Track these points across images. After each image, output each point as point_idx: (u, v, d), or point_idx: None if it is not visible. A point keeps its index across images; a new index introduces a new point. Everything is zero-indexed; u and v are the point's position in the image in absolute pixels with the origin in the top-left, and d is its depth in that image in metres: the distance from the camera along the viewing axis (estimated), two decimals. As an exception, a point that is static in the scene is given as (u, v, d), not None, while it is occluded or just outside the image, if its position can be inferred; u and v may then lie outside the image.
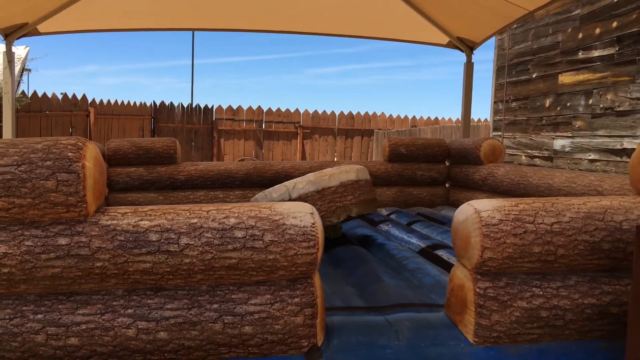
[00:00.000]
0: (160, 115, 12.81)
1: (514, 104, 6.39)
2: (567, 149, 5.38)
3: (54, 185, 1.38)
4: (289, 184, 2.76)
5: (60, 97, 9.90)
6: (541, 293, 1.60)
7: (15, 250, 1.38)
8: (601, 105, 4.89)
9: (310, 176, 2.76)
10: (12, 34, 4.36)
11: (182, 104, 13.04)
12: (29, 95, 9.08)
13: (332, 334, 1.61)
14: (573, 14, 5.32)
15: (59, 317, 1.43)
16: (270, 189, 2.82)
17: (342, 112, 13.89)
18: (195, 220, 1.47)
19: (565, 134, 5.41)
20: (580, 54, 5.20)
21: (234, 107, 13.36)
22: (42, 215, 1.40)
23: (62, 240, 1.40)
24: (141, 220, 1.45)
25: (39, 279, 1.40)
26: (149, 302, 1.47)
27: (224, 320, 1.48)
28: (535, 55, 5.96)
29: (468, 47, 5.12)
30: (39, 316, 1.43)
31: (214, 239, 1.46)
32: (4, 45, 4.45)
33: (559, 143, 5.52)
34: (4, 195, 1.36)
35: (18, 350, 1.42)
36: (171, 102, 12.95)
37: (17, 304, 1.43)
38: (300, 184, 2.72)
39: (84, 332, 1.43)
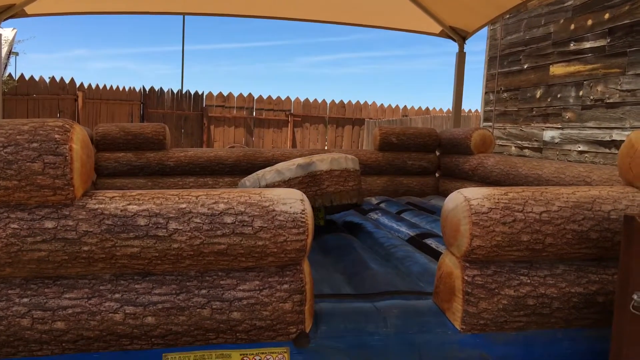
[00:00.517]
0: (149, 101, 12.70)
1: (505, 94, 6.40)
2: (556, 140, 5.41)
3: (41, 168, 1.36)
4: (259, 172, 2.77)
5: (48, 80, 9.77)
6: (528, 281, 1.61)
7: (1, 233, 1.36)
8: (591, 97, 4.92)
9: (285, 163, 2.77)
10: (-2, 15, 4.29)
11: (172, 89, 12.94)
12: (16, 78, 8.95)
13: (320, 321, 1.62)
14: (565, 5, 5.32)
15: (45, 301, 1.42)
16: (248, 176, 2.84)
17: (333, 100, 13.86)
18: (184, 206, 1.46)
19: (555, 125, 5.44)
20: (571, 45, 5.21)
21: (225, 94, 13.28)
22: (28, 198, 1.38)
23: (49, 224, 1.38)
24: (129, 204, 1.44)
25: (24, 262, 1.38)
26: (137, 287, 1.46)
27: (212, 305, 1.48)
28: (527, 46, 5.97)
29: (460, 36, 5.12)
30: (25, 300, 1.41)
31: (203, 224, 1.44)
32: (-9, 27, 4.37)
33: (548, 134, 5.54)
34: (-11, 177, 1.34)
35: (3, 333, 1.40)
36: (161, 88, 12.84)
37: (3, 287, 1.42)
38: (268, 174, 2.73)
39: (70, 316, 1.41)
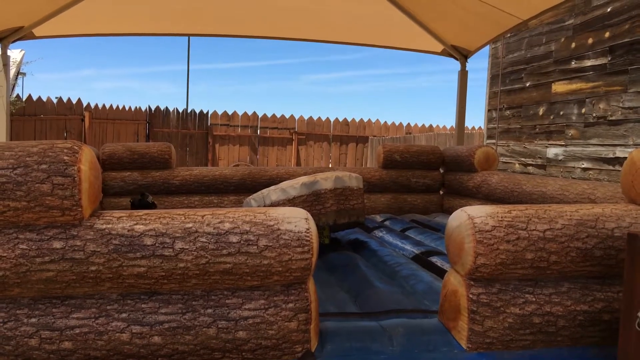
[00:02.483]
0: (155, 120, 12.79)
1: (508, 112, 6.43)
2: (560, 158, 5.42)
3: (50, 189, 1.38)
4: (264, 191, 2.79)
5: (55, 100, 9.87)
6: (534, 299, 1.61)
7: (10, 254, 1.38)
8: (594, 114, 4.93)
9: (290, 182, 2.79)
10: (7, 37, 4.36)
11: (177, 109, 13.03)
12: (24, 99, 9.05)
13: (326, 340, 1.62)
14: (566, 23, 5.37)
15: (52, 320, 1.43)
16: (253, 195, 2.86)
17: (337, 118, 13.92)
18: (190, 225, 1.48)
19: (558, 142, 5.45)
20: (573, 63, 5.24)
21: (229, 113, 13.36)
22: (37, 219, 1.40)
23: (57, 244, 1.40)
24: (136, 224, 1.46)
25: (33, 282, 1.40)
26: (143, 306, 1.47)
27: (218, 325, 1.48)
28: (528, 64, 6.01)
29: (462, 55, 5.16)
30: (33, 320, 1.42)
31: (209, 243, 1.46)
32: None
33: (552, 151, 5.55)
34: (-1, 199, 1.36)
35: (12, 353, 1.41)
36: (166, 107, 12.94)
37: (11, 307, 1.43)
38: (273, 193, 2.75)
39: (77, 336, 1.42)
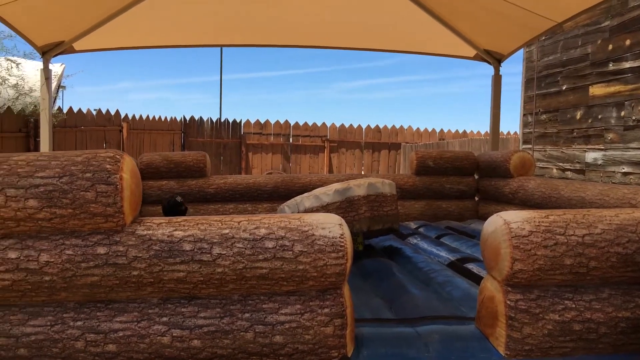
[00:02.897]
0: (190, 130, 13.04)
1: (544, 116, 6.32)
2: (599, 162, 5.29)
3: (94, 196, 1.43)
4: (298, 198, 2.81)
5: (94, 112, 10.16)
6: (573, 306, 1.58)
7: (57, 259, 1.43)
8: (633, 117, 4.81)
9: (323, 189, 2.80)
10: (49, 51, 4.53)
11: (211, 118, 13.25)
12: (65, 111, 9.35)
13: (361, 345, 1.62)
14: (602, 25, 5.26)
15: (97, 324, 1.48)
16: (286, 202, 2.88)
17: (369, 125, 13.91)
18: (227, 231, 1.51)
19: (597, 146, 5.33)
20: (610, 65, 5.13)
21: (262, 121, 13.51)
22: (82, 225, 1.46)
23: (101, 250, 1.45)
24: (175, 230, 1.50)
25: (78, 286, 1.45)
26: (183, 310, 1.50)
27: (255, 329, 1.51)
28: (564, 67, 5.90)
29: (495, 59, 5.11)
30: (79, 323, 1.47)
31: (245, 249, 1.49)
32: (42, 63, 4.62)
33: (590, 156, 5.43)
34: (46, 206, 1.42)
35: (59, 356, 1.46)
36: (200, 117, 13.18)
37: (58, 311, 1.49)
38: (307, 200, 2.76)
39: (121, 339, 1.47)
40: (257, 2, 4.65)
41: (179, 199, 3.63)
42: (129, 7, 4.32)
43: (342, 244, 1.53)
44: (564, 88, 5.91)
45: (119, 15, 4.37)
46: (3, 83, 8.55)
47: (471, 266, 2.58)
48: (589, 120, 5.45)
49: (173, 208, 3.55)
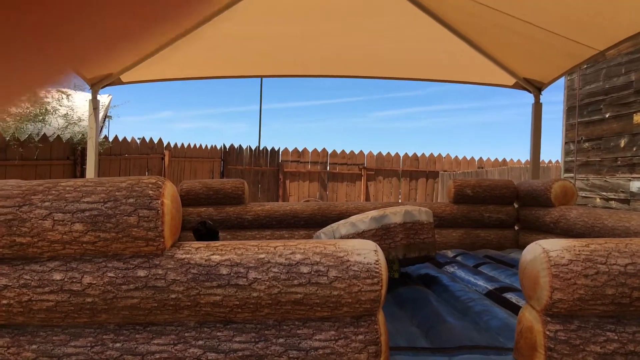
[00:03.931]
0: (229, 158, 13.28)
1: (586, 144, 6.18)
2: (645, 191, 5.12)
3: (136, 221, 1.48)
4: (334, 225, 2.82)
5: (138, 141, 10.50)
6: (616, 338, 1.53)
7: (99, 281, 1.49)
8: (682, 145, 4.66)
9: (359, 216, 2.81)
10: (97, 83, 4.74)
11: (250, 146, 13.47)
12: (111, 140, 9.69)
13: (396, 374, 1.61)
14: (647, 51, 5.16)
15: (135, 346, 1.51)
16: (322, 229, 2.89)
17: (406, 153, 13.87)
18: (263, 256, 1.53)
19: (643, 175, 5.17)
20: (656, 92, 5.00)
21: (300, 149, 13.65)
22: (124, 249, 1.51)
23: (141, 273, 1.49)
24: (213, 254, 1.53)
25: (119, 308, 1.50)
26: (219, 334, 1.53)
27: (289, 354, 1.51)
28: (607, 95, 5.79)
29: (536, 87, 5.06)
30: (118, 345, 1.51)
31: (281, 274, 1.51)
32: (90, 94, 4.83)
33: (635, 185, 5.27)
34: (91, 230, 1.48)
35: (97, 376, 1.50)
36: (240, 145, 13.42)
37: (98, 332, 1.53)
38: (343, 227, 2.77)
39: (157, 361, 1.50)
40: (296, 37, 4.77)
41: (208, 224, 3.68)
42: (175, 40, 4.50)
43: (377, 270, 1.53)
44: (607, 116, 5.78)
45: (165, 49, 4.55)
46: (54, 113, 8.95)
47: (510, 296, 2.53)
48: (634, 149, 5.30)
49: (211, 233, 3.61)
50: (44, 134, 8.17)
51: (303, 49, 5.02)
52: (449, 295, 2.62)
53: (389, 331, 1.83)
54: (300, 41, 4.88)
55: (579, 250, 1.56)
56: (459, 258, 3.84)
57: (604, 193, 5.80)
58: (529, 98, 5.12)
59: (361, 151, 13.78)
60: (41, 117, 8.57)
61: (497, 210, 4.39)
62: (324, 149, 13.67)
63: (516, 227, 4.52)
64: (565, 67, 4.60)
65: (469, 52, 4.83)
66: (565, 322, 1.55)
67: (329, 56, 5.20)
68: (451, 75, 5.55)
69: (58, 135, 8.43)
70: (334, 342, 1.52)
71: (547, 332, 1.54)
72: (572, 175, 6.43)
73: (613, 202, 5.64)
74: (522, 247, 4.30)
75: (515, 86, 5.26)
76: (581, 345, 1.53)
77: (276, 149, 13.63)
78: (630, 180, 5.36)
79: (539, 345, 1.56)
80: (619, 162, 5.55)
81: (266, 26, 4.59)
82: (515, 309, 2.32)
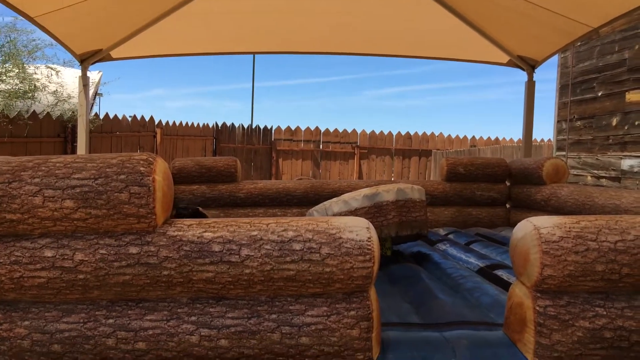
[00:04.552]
0: (221, 136, 13.22)
1: (579, 123, 6.20)
2: (635, 169, 5.16)
3: (127, 198, 1.48)
4: (326, 203, 2.82)
5: (129, 118, 10.41)
6: (605, 313, 1.55)
7: (91, 258, 1.48)
8: (673, 124, 4.68)
9: (352, 194, 2.81)
10: (87, 59, 4.67)
11: (242, 125, 13.41)
12: (101, 117, 9.61)
13: (387, 349, 1.62)
14: (641, 29, 5.14)
15: (128, 322, 1.52)
16: (315, 207, 2.89)
17: (399, 132, 13.86)
18: (255, 233, 1.53)
19: (633, 153, 5.19)
20: (649, 70, 5.00)
21: (292, 128, 13.60)
22: (116, 226, 1.50)
23: (133, 249, 1.49)
24: (205, 231, 1.53)
25: (111, 285, 1.50)
26: (211, 310, 1.53)
27: (282, 330, 1.52)
28: (600, 73, 5.78)
29: (529, 65, 5.04)
30: (110, 321, 1.52)
31: (273, 250, 1.51)
32: (80, 71, 4.76)
33: (627, 163, 5.30)
34: (82, 207, 1.47)
35: (90, 352, 1.51)
36: (232, 124, 13.35)
37: (91, 308, 1.53)
38: (335, 205, 2.77)
39: (150, 337, 1.50)
40: (289, 12, 4.71)
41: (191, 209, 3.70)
42: (165, 15, 4.43)
43: (370, 247, 1.53)
44: (599, 94, 5.79)
45: (155, 24, 4.48)
46: (43, 90, 8.84)
47: (501, 273, 2.55)
48: (626, 127, 5.32)
49: (196, 215, 3.63)
50: (34, 111, 8.08)
51: (296, 25, 4.96)
52: (441, 272, 2.64)
53: (381, 307, 1.84)
54: (293, 17, 4.82)
55: (570, 227, 1.57)
56: (450, 236, 3.86)
57: (595, 171, 5.83)
58: (522, 76, 5.11)
59: (354, 130, 13.76)
60: (30, 94, 8.47)
61: (489, 188, 4.41)
62: (317, 128, 13.63)
63: (508, 205, 4.55)
64: (559, 45, 4.58)
65: (463, 30, 4.79)
66: (555, 298, 1.57)
67: (321, 33, 5.15)
68: (445, 53, 5.52)
69: (48, 113, 8.34)
70: (326, 318, 1.53)
71: (537, 308, 1.56)
72: (564, 153, 6.46)
73: (604, 180, 5.68)
74: (513, 224, 4.33)
75: (509, 64, 5.24)
76: (570, 320, 1.55)
77: (269, 127, 13.57)
78: (621, 158, 5.39)
79: (528, 321, 1.58)
80: (611, 140, 5.57)
81: (258, 1, 4.52)
82: (506, 285, 2.34)
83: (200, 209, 3.52)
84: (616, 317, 1.55)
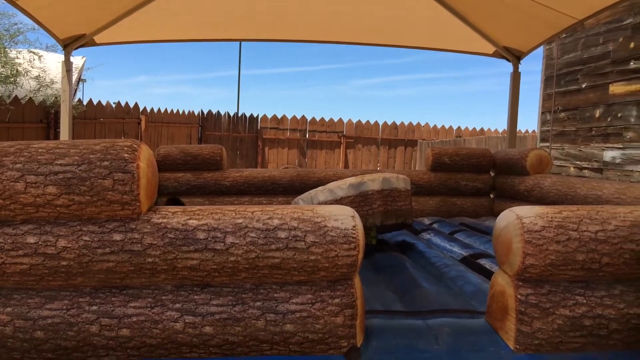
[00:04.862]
0: (207, 124, 13.14)
1: (563, 114, 6.26)
2: (617, 161, 5.23)
3: (111, 184, 1.46)
4: (312, 192, 2.83)
5: (113, 105, 10.29)
6: (585, 301, 1.58)
7: (74, 245, 1.47)
8: (655, 116, 4.74)
9: (337, 183, 2.81)
10: (70, 44, 4.59)
11: (228, 113, 13.33)
12: (85, 103, 9.48)
13: (371, 336, 1.64)
14: (624, 23, 5.19)
15: (112, 309, 1.51)
16: (301, 195, 2.90)
17: (385, 122, 13.89)
18: (240, 220, 1.53)
19: (615, 145, 5.26)
20: (632, 63, 5.05)
21: (279, 117, 13.55)
22: (99, 212, 1.49)
23: (117, 237, 1.48)
24: (190, 219, 1.52)
25: (94, 272, 1.49)
26: (196, 297, 1.53)
27: (266, 317, 1.53)
28: (585, 65, 5.83)
29: (515, 56, 5.06)
30: (94, 307, 1.51)
31: (258, 238, 1.51)
32: (63, 56, 4.69)
33: (609, 154, 5.37)
34: (65, 193, 1.46)
35: (74, 339, 1.50)
36: (218, 111, 13.26)
37: (74, 295, 1.52)
38: (321, 193, 2.77)
39: (135, 324, 1.50)
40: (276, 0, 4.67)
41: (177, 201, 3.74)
42: (150, 1, 4.37)
43: (354, 236, 1.54)
44: (583, 86, 5.84)
45: (140, 9, 4.42)
46: (25, 75, 8.70)
47: (484, 262, 2.58)
48: (609, 119, 5.38)
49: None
50: (16, 96, 7.95)
51: (283, 13, 4.93)
52: (425, 261, 2.66)
53: (365, 295, 1.86)
54: (280, 4, 4.78)
55: (552, 217, 1.59)
56: (435, 225, 3.89)
57: (578, 162, 5.91)
58: (508, 67, 5.13)
59: (341, 119, 13.75)
60: (12, 79, 8.32)
61: (473, 178, 4.45)
62: (303, 117, 13.60)
63: (491, 195, 4.59)
64: (545, 36, 4.61)
65: (450, 20, 4.79)
66: (536, 287, 1.59)
67: (308, 21, 5.12)
68: (432, 43, 5.52)
69: (30, 98, 8.22)
70: (310, 305, 1.54)
71: (519, 296, 1.58)
72: (547, 144, 6.52)
73: (586, 171, 5.75)
74: (496, 214, 4.37)
75: (495, 55, 5.26)
76: (551, 308, 1.57)
77: (255, 115, 13.51)
78: (603, 150, 5.46)
79: (510, 309, 1.60)
80: (594, 132, 5.63)
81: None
82: (488, 274, 2.37)
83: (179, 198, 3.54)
84: (596, 306, 1.58)
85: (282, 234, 1.52)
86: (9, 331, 1.49)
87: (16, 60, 8.49)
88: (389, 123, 13.89)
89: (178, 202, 3.74)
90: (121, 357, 1.52)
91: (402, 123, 13.95)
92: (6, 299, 1.51)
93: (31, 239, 1.47)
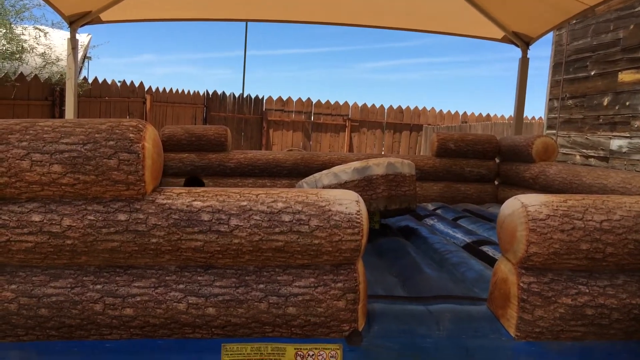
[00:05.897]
0: (212, 104, 13.10)
1: (570, 101, 6.21)
2: (624, 150, 5.20)
3: (116, 164, 1.46)
4: (316, 175, 2.82)
5: (119, 84, 10.26)
6: (587, 291, 1.58)
7: (79, 224, 1.47)
8: (663, 105, 4.70)
9: (342, 167, 2.81)
10: (76, 21, 4.57)
11: (233, 94, 13.28)
12: (90, 82, 9.46)
13: (373, 320, 1.65)
14: (636, 10, 5.12)
15: (116, 288, 1.52)
16: (305, 179, 2.89)
17: (391, 106, 13.81)
18: (245, 203, 1.53)
19: (623, 134, 5.22)
20: (643, 51, 5.00)
21: (284, 99, 13.50)
22: (104, 192, 1.49)
23: (122, 216, 1.49)
24: (194, 200, 1.52)
25: (99, 251, 1.49)
26: (199, 278, 1.54)
27: (269, 300, 1.54)
28: (594, 52, 5.77)
29: (524, 42, 5.01)
30: (98, 286, 1.52)
31: (262, 221, 1.51)
32: (69, 33, 4.66)
33: (616, 143, 5.33)
34: (70, 172, 1.46)
35: (78, 317, 1.51)
36: (223, 92, 13.22)
37: (79, 274, 1.53)
38: (325, 177, 2.77)
39: (138, 303, 1.51)
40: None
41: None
42: (155, -22, 4.33)
43: (358, 220, 1.54)
44: (592, 73, 5.78)
45: (145, -13, 4.38)
46: (31, 51, 8.67)
47: (486, 249, 2.58)
48: (616, 107, 5.34)
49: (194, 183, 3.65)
50: (21, 72, 7.93)
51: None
52: (428, 247, 2.66)
53: (367, 280, 1.86)
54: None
55: (557, 206, 1.58)
56: (438, 211, 3.89)
57: (584, 150, 5.87)
58: (516, 53, 5.09)
59: (346, 102, 13.69)
60: (18, 56, 8.30)
61: (478, 164, 4.43)
62: (308, 99, 13.54)
63: (496, 182, 4.58)
64: (555, 22, 4.56)
65: (459, 3, 4.74)
66: (539, 275, 1.59)
67: (315, 2, 5.07)
68: (441, 27, 5.47)
69: (36, 75, 8.19)
70: (313, 288, 1.55)
71: (521, 284, 1.58)
72: (554, 132, 6.49)
73: (592, 159, 5.72)
74: (501, 201, 4.37)
75: (504, 40, 5.21)
76: (553, 297, 1.57)
77: (260, 97, 13.46)
78: (610, 138, 5.43)
79: (512, 296, 1.61)
80: (601, 120, 5.59)
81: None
82: (491, 261, 2.37)
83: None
84: (598, 295, 1.58)
85: (286, 218, 1.52)
86: (13, 308, 1.50)
87: (22, 37, 8.45)
88: (395, 107, 13.82)
89: (198, 182, 3.72)
90: (124, 336, 1.54)
91: (408, 107, 13.88)
92: (11, 276, 1.52)
93: (36, 217, 1.47)
